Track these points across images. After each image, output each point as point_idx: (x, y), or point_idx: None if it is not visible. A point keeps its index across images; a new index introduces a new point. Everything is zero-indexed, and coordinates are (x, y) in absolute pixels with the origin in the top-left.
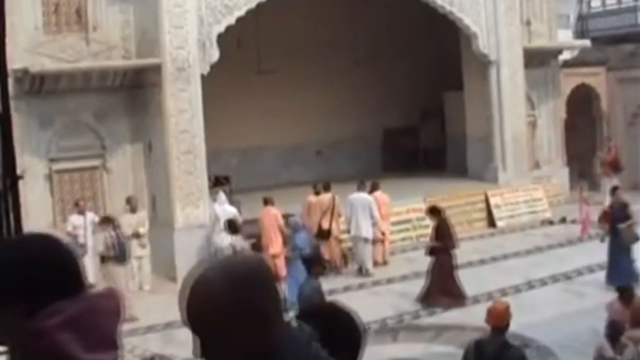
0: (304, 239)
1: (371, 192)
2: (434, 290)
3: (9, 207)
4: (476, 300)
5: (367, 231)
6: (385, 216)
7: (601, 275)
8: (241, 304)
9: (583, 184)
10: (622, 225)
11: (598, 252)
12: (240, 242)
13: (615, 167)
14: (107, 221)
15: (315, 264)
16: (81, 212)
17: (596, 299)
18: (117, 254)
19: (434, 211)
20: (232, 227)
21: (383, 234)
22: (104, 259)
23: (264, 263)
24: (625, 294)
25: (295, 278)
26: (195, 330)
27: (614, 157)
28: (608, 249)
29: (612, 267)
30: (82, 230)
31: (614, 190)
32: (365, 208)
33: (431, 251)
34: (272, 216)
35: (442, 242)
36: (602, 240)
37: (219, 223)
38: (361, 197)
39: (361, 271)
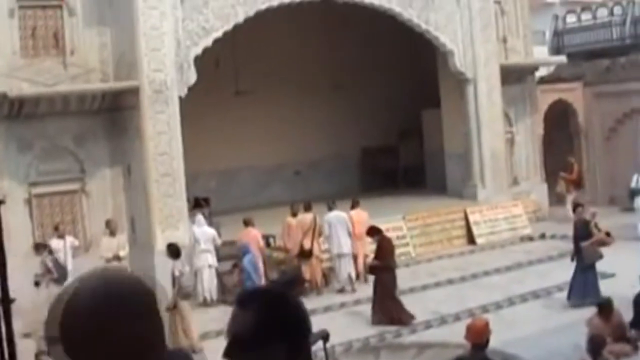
0: (250, 262)
1: (352, 208)
2: (377, 310)
3: None
4: (457, 317)
5: (347, 247)
6: (359, 235)
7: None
8: (109, 323)
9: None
10: (584, 244)
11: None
12: (179, 267)
13: (577, 184)
14: (41, 247)
15: (296, 284)
16: (61, 236)
17: (577, 315)
18: (57, 277)
19: (373, 231)
20: (172, 251)
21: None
22: (37, 283)
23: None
24: (604, 309)
25: None
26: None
27: (577, 174)
28: (575, 268)
29: (572, 285)
30: (62, 254)
31: (576, 207)
32: (343, 225)
33: (371, 270)
34: (252, 237)
35: (383, 261)
36: (572, 259)
37: (199, 245)
38: (338, 215)
39: (342, 290)
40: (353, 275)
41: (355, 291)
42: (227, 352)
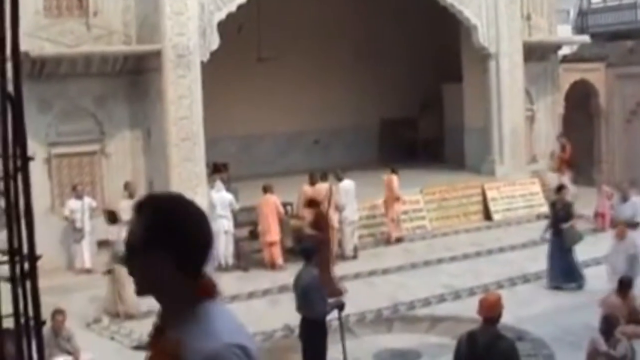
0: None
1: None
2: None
3: (18, 189)
4: (472, 292)
5: (357, 215)
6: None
7: (597, 269)
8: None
9: (606, 179)
10: (565, 225)
11: (593, 246)
12: (116, 232)
13: (570, 164)
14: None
15: (315, 253)
16: (79, 197)
17: (591, 293)
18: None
19: (312, 203)
20: (110, 217)
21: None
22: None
23: None
24: (624, 286)
25: None
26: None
27: (570, 154)
28: (549, 249)
29: (552, 265)
30: (79, 214)
31: (560, 189)
32: (354, 194)
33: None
34: (271, 204)
35: (319, 234)
36: (542, 239)
37: (216, 210)
38: (350, 183)
39: (343, 257)
40: (357, 242)
41: (357, 258)
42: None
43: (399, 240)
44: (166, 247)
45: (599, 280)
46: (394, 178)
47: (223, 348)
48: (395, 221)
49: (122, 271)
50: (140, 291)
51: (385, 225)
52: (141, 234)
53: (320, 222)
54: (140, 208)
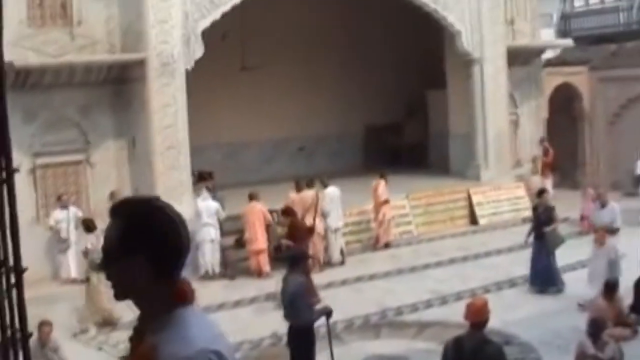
0: None
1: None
2: None
3: (4, 201)
4: (459, 297)
5: (341, 222)
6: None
7: (583, 272)
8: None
9: (591, 182)
10: (547, 229)
11: (579, 249)
12: (92, 241)
13: (552, 168)
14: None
15: (302, 260)
16: (64, 207)
17: (576, 297)
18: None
19: (287, 212)
20: (87, 225)
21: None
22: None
23: None
24: (609, 289)
25: None
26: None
27: (553, 158)
28: (532, 252)
29: (534, 269)
30: (64, 224)
31: (541, 193)
32: (339, 200)
33: (277, 250)
34: (257, 212)
35: (295, 244)
36: (526, 243)
37: (202, 218)
38: (334, 190)
39: (330, 263)
40: (345, 248)
41: (344, 264)
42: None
43: (387, 245)
44: (142, 251)
45: (584, 284)
46: (381, 182)
47: (197, 354)
48: (385, 225)
49: (100, 278)
50: (118, 296)
51: (373, 231)
52: (117, 238)
53: (295, 232)
54: (116, 213)
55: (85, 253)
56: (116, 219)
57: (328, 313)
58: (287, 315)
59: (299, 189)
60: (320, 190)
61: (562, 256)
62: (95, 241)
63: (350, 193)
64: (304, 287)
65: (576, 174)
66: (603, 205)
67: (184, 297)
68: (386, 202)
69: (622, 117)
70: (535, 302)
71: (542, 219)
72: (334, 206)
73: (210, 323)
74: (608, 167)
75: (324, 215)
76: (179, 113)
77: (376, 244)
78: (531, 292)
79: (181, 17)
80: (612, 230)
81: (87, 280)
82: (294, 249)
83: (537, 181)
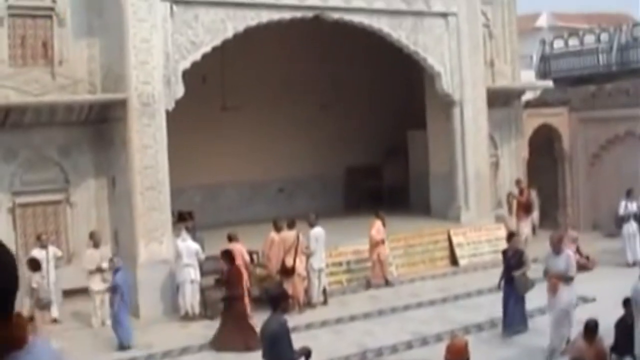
0: (122, 278)
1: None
2: (225, 334)
3: None
4: (439, 338)
5: (324, 262)
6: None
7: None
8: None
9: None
10: (516, 273)
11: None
12: (37, 279)
13: (527, 209)
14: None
15: (282, 300)
16: (43, 246)
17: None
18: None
19: (226, 256)
20: (31, 265)
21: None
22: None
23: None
24: (589, 331)
25: (120, 318)
26: None
27: (527, 198)
28: (503, 297)
29: (506, 315)
30: (44, 264)
31: (510, 236)
32: (324, 240)
33: (223, 300)
34: (237, 252)
35: (234, 290)
36: (499, 286)
37: (182, 259)
38: (320, 230)
39: (313, 305)
40: (328, 288)
41: (327, 304)
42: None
43: (387, 282)
44: None
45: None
46: (376, 222)
47: None
48: (378, 265)
49: (45, 317)
50: None
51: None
52: None
53: (232, 277)
54: None
55: (31, 292)
56: None
57: (307, 354)
58: (266, 355)
59: (277, 228)
60: (304, 230)
61: (533, 299)
62: (41, 280)
63: (329, 234)
64: (286, 326)
65: (557, 214)
66: (557, 252)
67: (16, 340)
68: (381, 242)
69: (602, 157)
70: (517, 343)
71: (511, 263)
72: (318, 247)
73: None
74: (588, 207)
75: (308, 255)
76: (159, 153)
77: (369, 284)
78: (504, 338)
79: (162, 58)
80: (567, 279)
81: (30, 319)
82: (272, 289)
83: (513, 222)
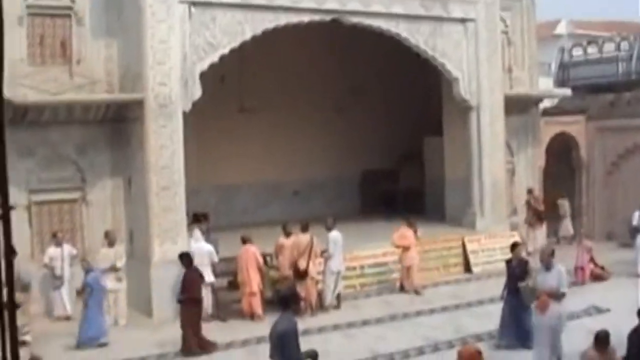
0: (93, 279)
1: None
2: (188, 340)
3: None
4: (451, 345)
5: (343, 266)
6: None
7: (580, 321)
8: None
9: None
10: (522, 284)
11: (573, 299)
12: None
13: (540, 218)
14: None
15: (292, 301)
16: (58, 244)
17: (570, 347)
18: None
19: (182, 258)
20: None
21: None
22: None
23: None
24: (600, 341)
25: (90, 316)
26: None
27: (544, 205)
28: (505, 307)
29: (503, 326)
30: (59, 262)
31: (514, 246)
32: (340, 244)
33: (179, 300)
34: (251, 254)
35: (190, 293)
36: (502, 297)
37: (195, 260)
38: (338, 234)
39: (322, 307)
40: (342, 292)
41: (339, 308)
42: None
43: (417, 292)
44: None
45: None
46: (401, 228)
47: None
48: (404, 271)
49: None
50: None
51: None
52: None
53: (186, 282)
54: None
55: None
56: None
57: (314, 356)
58: (273, 355)
59: (287, 234)
60: (318, 234)
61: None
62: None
63: (345, 238)
64: (295, 327)
65: (573, 224)
66: (548, 267)
67: None
68: (407, 248)
69: (619, 167)
70: (529, 353)
71: (516, 273)
72: (337, 250)
73: None
74: (604, 217)
75: (327, 258)
76: (176, 154)
77: (402, 287)
78: (498, 349)
79: (179, 59)
80: (558, 296)
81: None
82: (284, 289)
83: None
